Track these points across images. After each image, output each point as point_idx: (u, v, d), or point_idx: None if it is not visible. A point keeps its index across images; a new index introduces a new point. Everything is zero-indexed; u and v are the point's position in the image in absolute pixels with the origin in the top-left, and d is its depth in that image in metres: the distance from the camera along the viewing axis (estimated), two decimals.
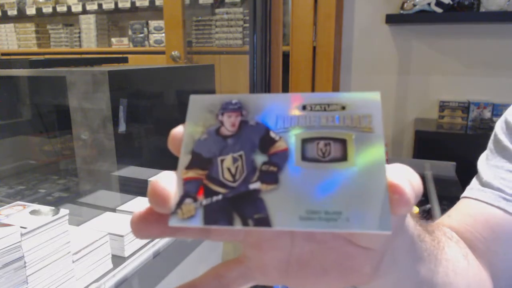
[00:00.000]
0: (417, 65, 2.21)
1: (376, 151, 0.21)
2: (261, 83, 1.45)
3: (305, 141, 0.22)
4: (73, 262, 0.69)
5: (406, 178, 0.21)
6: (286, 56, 2.03)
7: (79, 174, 1.01)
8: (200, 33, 2.57)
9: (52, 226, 0.64)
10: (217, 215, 0.21)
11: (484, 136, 0.55)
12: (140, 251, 0.82)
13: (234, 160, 0.22)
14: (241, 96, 0.23)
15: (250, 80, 1.45)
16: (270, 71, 1.45)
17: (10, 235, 0.58)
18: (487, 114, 2.06)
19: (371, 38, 2.26)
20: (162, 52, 2.48)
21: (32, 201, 0.68)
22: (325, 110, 0.23)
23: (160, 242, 0.86)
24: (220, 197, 0.21)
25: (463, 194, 0.52)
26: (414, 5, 2.03)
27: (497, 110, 2.05)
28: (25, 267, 0.61)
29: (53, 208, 0.67)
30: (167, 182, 0.21)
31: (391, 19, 2.11)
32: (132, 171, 1.01)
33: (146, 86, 1.10)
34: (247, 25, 2.42)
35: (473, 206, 0.49)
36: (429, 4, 1.99)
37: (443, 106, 2.15)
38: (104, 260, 0.76)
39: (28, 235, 0.61)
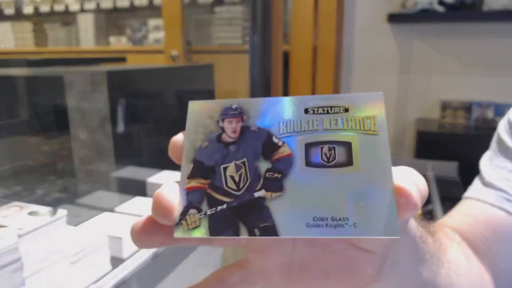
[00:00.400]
0: (418, 64, 2.21)
1: (382, 154, 0.21)
2: (261, 83, 1.44)
3: (308, 146, 0.22)
4: (71, 263, 0.69)
5: (413, 181, 0.20)
6: (286, 55, 2.03)
7: (77, 174, 1.00)
8: (199, 32, 2.57)
9: (50, 227, 0.64)
10: (222, 225, 0.21)
11: (487, 136, 0.54)
12: (139, 252, 0.82)
13: (237, 167, 0.22)
14: (241, 101, 0.23)
15: (250, 80, 1.45)
16: (270, 71, 1.45)
17: (7, 236, 0.58)
18: (490, 114, 2.06)
19: (372, 37, 2.25)
20: (161, 51, 2.47)
21: (30, 202, 0.68)
22: (327, 112, 0.22)
23: None
24: (224, 206, 0.21)
25: (465, 195, 0.52)
26: (416, 4, 2.02)
27: (500, 110, 2.04)
28: (22, 269, 0.60)
29: (51, 209, 0.67)
30: (171, 193, 0.21)
31: (393, 18, 2.10)
32: (131, 172, 1.01)
33: (144, 86, 1.10)
34: (247, 24, 2.41)
35: (475, 206, 0.49)
36: (431, 3, 1.98)
37: (445, 106, 2.14)
38: (103, 262, 0.75)
39: (25, 237, 0.60)
